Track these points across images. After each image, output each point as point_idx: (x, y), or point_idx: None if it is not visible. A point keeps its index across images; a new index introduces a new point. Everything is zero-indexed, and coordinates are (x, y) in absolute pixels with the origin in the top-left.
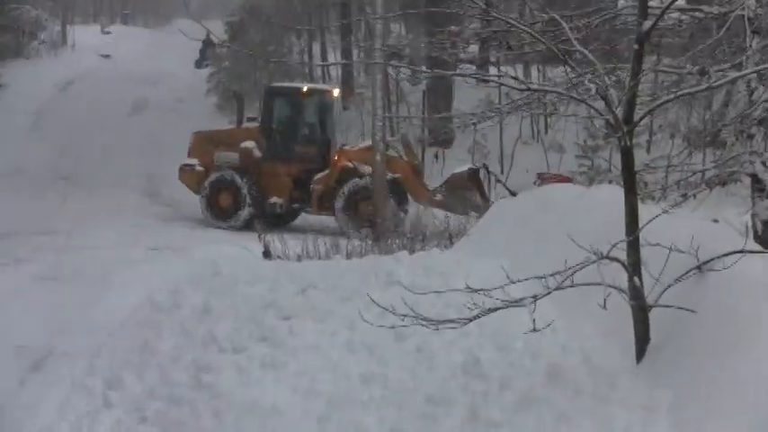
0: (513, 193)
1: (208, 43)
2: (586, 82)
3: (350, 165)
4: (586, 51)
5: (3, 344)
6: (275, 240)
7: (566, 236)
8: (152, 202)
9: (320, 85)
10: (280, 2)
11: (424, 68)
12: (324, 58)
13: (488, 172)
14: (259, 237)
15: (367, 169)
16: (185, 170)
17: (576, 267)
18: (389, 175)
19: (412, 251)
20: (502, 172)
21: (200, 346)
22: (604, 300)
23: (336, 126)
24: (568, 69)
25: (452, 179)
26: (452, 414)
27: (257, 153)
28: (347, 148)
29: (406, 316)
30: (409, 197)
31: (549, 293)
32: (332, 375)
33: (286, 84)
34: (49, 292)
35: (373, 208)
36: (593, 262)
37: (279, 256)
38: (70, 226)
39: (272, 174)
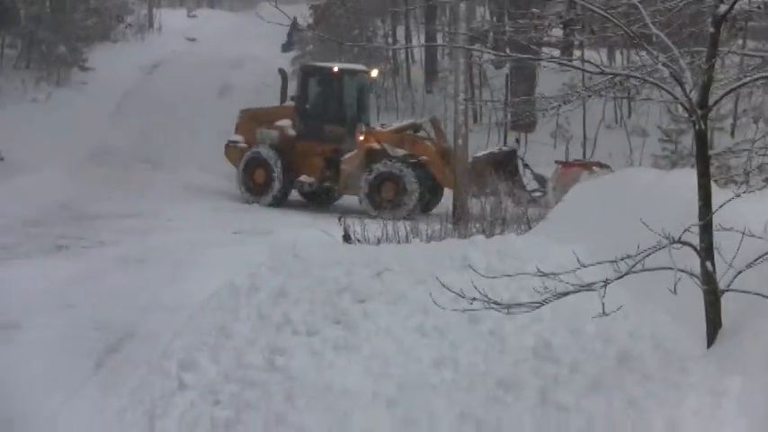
0: (541, 179)
1: (295, 27)
2: (660, 66)
3: (376, 146)
4: (662, 35)
5: (83, 326)
6: (355, 224)
7: (640, 220)
8: (237, 186)
9: (356, 66)
10: None
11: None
12: (408, 41)
13: (516, 156)
14: (339, 220)
15: (398, 152)
16: (230, 147)
17: (647, 252)
18: (415, 158)
19: (490, 235)
20: (584, 156)
21: (275, 329)
22: (675, 284)
23: (371, 106)
24: (645, 53)
25: (475, 162)
26: (522, 397)
27: (291, 132)
28: (378, 128)
29: (475, 299)
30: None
31: (620, 278)
32: (403, 358)
33: (320, 63)
34: (133, 275)
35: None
36: (665, 247)
37: (358, 240)
38: (155, 208)
39: (305, 152)
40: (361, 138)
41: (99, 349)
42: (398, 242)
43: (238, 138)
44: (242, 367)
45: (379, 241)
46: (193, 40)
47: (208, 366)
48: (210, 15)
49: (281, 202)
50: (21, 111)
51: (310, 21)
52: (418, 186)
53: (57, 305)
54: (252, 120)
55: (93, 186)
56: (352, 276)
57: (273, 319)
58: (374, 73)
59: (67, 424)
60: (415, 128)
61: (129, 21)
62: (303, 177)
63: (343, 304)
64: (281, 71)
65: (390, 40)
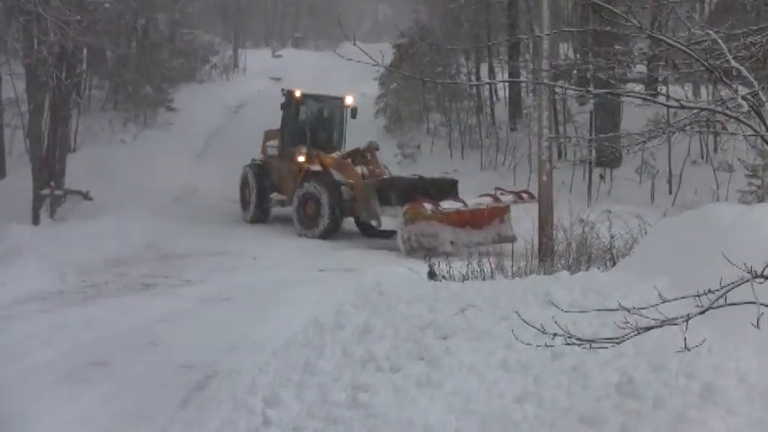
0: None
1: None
2: (740, 99)
3: (317, 168)
4: (743, 69)
5: (170, 363)
6: (440, 262)
7: (723, 255)
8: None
9: (330, 93)
10: (449, 24)
11: (589, 89)
12: (491, 78)
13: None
14: (425, 258)
15: (339, 175)
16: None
17: (730, 286)
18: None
19: (575, 272)
20: (670, 192)
21: (359, 365)
22: (758, 319)
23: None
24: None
25: (364, 186)
26: None
27: (273, 151)
28: (335, 154)
29: (557, 335)
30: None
31: (702, 312)
32: (486, 394)
33: (299, 89)
34: (218, 313)
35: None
36: (748, 281)
37: (443, 277)
38: (240, 247)
39: (280, 172)
40: (301, 159)
41: (185, 386)
42: (483, 279)
43: (259, 156)
44: (326, 404)
45: (464, 278)
46: (278, 79)
47: (292, 403)
48: (295, 55)
49: (257, 218)
50: (108, 151)
51: (393, 59)
52: (329, 208)
53: (144, 343)
54: (267, 140)
55: (179, 225)
56: (436, 313)
57: (357, 356)
58: (349, 100)
59: None
60: (363, 153)
61: (214, 61)
62: (274, 195)
63: (427, 341)
64: (284, 91)
65: (474, 77)
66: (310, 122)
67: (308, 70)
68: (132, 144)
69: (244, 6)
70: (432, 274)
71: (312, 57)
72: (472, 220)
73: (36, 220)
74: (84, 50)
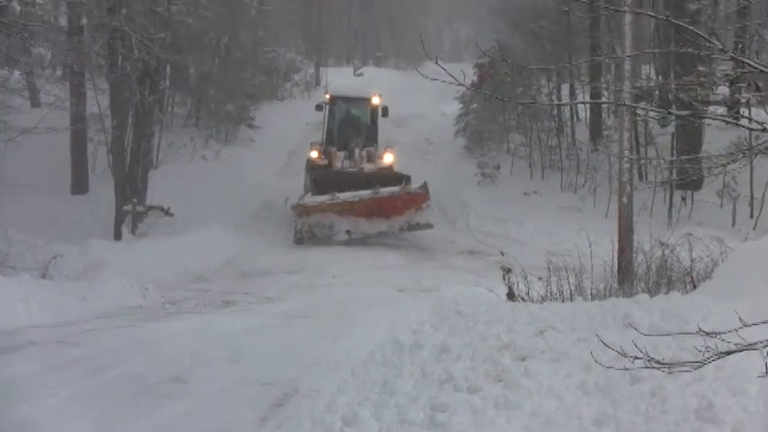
0: None
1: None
2: None
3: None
4: None
5: (249, 380)
6: (519, 282)
7: None
8: (401, 243)
9: (359, 95)
10: (530, 44)
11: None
12: (572, 99)
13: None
14: (503, 278)
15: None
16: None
17: None
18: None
19: (655, 294)
20: (751, 216)
21: (437, 385)
22: None
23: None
24: None
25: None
26: None
27: (313, 155)
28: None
29: (637, 358)
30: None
31: None
32: (564, 417)
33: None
34: (297, 330)
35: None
36: None
37: (522, 298)
38: (320, 264)
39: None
40: (313, 154)
41: (264, 404)
42: (562, 300)
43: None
44: (404, 424)
45: (542, 299)
46: None
47: (370, 422)
48: (376, 73)
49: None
50: (190, 168)
51: (474, 78)
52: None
53: (223, 359)
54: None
55: (259, 242)
56: (514, 334)
57: (435, 376)
58: (375, 100)
59: None
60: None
61: (296, 79)
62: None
63: (505, 362)
64: (318, 106)
65: (555, 98)
66: (341, 122)
67: (388, 88)
68: (213, 161)
69: (326, 25)
70: (510, 295)
71: (393, 75)
72: (380, 210)
73: (118, 236)
74: (168, 67)
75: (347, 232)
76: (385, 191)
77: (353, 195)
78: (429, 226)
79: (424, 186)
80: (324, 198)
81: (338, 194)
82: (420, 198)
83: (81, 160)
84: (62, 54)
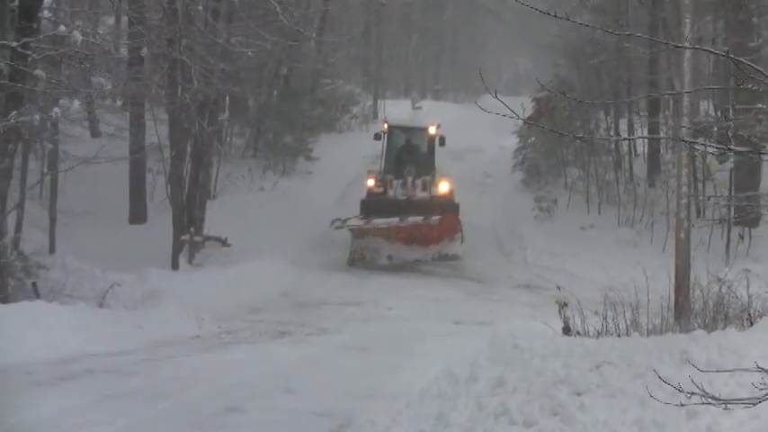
0: None
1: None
2: None
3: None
4: None
5: (304, 411)
6: (575, 316)
7: None
8: (458, 276)
9: (416, 124)
10: (589, 79)
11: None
12: (630, 134)
13: None
14: (559, 312)
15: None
16: None
17: None
18: None
19: (712, 330)
20: None
21: (492, 419)
22: None
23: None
24: None
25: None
26: None
27: (370, 183)
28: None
29: (693, 394)
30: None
31: None
32: None
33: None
34: (353, 362)
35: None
36: None
37: (578, 332)
38: (376, 296)
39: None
40: (370, 182)
41: None
42: (618, 335)
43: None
44: None
45: (598, 334)
46: None
47: None
48: (434, 107)
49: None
50: (248, 199)
51: (532, 112)
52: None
53: (279, 390)
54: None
55: (316, 274)
56: (571, 369)
57: (491, 409)
58: (432, 130)
59: None
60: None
61: (354, 111)
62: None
63: (561, 396)
64: (377, 135)
65: (613, 132)
66: (399, 151)
67: (446, 121)
68: (271, 192)
69: (385, 58)
70: (566, 330)
71: (451, 108)
72: (420, 238)
73: (175, 265)
74: (227, 98)
75: (388, 257)
76: (411, 219)
77: (385, 221)
78: (456, 257)
79: (452, 216)
80: (359, 222)
81: (374, 219)
82: (454, 231)
83: (139, 190)
84: (122, 84)
